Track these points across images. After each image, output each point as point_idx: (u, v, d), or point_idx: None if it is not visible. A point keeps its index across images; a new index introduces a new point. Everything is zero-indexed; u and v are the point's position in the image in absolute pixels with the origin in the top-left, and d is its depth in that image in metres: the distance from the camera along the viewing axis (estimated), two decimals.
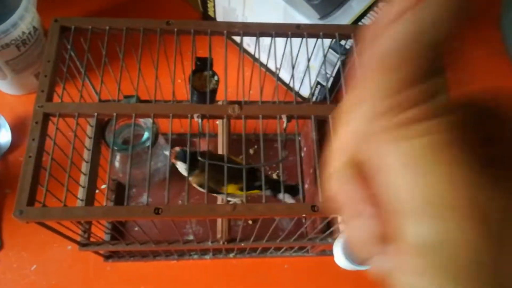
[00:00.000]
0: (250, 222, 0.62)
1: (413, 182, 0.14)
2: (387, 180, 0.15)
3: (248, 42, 0.67)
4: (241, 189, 0.42)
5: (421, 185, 0.14)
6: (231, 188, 0.44)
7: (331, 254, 0.50)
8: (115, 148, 0.48)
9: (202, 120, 0.39)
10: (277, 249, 0.58)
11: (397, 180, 0.14)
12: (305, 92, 0.64)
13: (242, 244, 0.51)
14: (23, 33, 0.54)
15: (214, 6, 0.67)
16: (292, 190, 0.47)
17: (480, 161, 0.14)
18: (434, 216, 0.14)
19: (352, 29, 0.45)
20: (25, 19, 0.53)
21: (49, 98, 0.37)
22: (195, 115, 0.39)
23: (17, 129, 0.62)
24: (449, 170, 0.14)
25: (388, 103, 0.15)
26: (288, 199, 0.46)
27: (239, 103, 0.40)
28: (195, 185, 0.46)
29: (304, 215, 0.38)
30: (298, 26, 0.44)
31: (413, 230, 0.14)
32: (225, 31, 0.42)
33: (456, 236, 0.13)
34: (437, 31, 0.14)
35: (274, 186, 0.47)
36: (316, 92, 0.64)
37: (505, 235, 0.13)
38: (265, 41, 0.60)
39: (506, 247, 0.13)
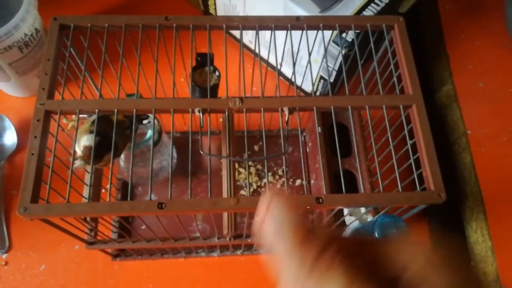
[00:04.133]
0: None
1: None
2: None
3: (250, 39, 0.67)
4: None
5: None
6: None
7: None
8: None
9: (203, 114, 0.39)
10: None
11: None
12: (308, 87, 0.64)
13: (249, 240, 0.51)
14: (25, 35, 0.55)
15: (214, 4, 0.67)
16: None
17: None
18: None
19: (353, 20, 0.45)
20: (26, 21, 0.54)
21: (50, 96, 0.37)
22: (196, 110, 0.39)
23: (23, 131, 0.63)
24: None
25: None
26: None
27: (240, 97, 0.40)
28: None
29: (308, 207, 0.38)
30: (297, 18, 0.44)
31: None
32: (224, 25, 0.42)
33: None
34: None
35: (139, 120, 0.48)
36: (320, 86, 0.64)
37: None
38: (267, 37, 0.59)
39: None
